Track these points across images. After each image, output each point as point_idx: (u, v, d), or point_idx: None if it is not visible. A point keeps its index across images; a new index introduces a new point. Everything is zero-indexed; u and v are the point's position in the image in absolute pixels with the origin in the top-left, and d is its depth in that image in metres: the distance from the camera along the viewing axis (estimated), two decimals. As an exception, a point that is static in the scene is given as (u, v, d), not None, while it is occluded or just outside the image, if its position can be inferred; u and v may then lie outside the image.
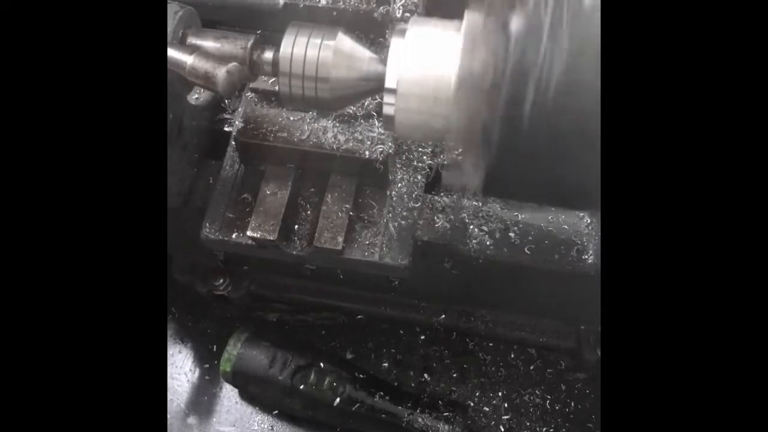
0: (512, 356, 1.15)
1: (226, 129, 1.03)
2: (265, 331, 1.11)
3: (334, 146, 0.88)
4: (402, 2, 0.86)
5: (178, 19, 0.79)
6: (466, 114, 0.66)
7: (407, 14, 0.86)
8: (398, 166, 0.94)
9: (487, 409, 1.11)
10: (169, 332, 1.19)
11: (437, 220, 0.94)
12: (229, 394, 1.13)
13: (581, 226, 0.94)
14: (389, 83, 0.71)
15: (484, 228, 0.94)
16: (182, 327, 1.20)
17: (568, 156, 0.61)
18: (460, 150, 0.67)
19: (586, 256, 0.93)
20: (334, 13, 0.89)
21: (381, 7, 0.88)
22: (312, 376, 1.03)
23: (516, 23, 0.57)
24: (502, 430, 1.09)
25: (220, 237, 0.92)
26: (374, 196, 0.93)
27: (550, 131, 0.59)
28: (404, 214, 0.92)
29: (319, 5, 0.89)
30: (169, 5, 0.79)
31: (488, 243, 0.93)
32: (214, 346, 1.16)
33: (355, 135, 0.89)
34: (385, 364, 1.15)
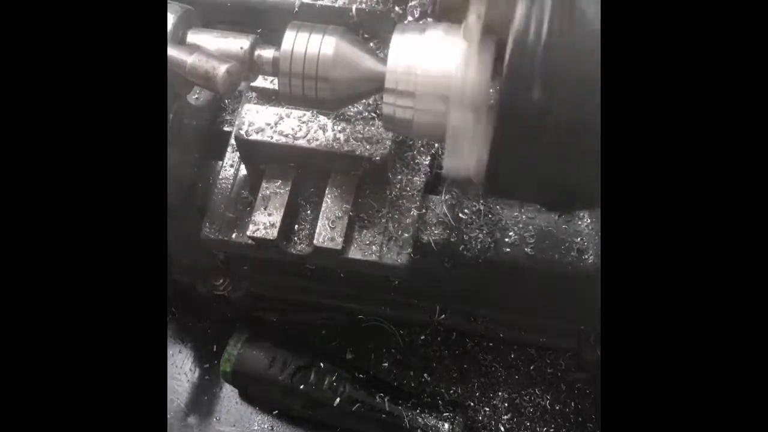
0: (512, 356, 1.15)
1: (226, 129, 1.03)
2: (265, 331, 1.11)
3: (335, 145, 0.88)
4: (417, 1, 0.86)
5: (178, 19, 0.79)
6: (465, 119, 0.66)
7: (422, 13, 0.86)
8: (398, 166, 0.94)
9: (487, 409, 1.11)
10: (169, 332, 1.18)
11: (437, 220, 0.94)
12: (229, 394, 1.13)
13: (581, 226, 0.94)
14: (389, 83, 0.71)
15: (484, 228, 0.94)
16: (182, 327, 1.20)
17: (568, 155, 0.61)
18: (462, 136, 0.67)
19: (586, 256, 0.93)
20: (351, 13, 0.89)
21: (397, 8, 0.88)
22: (312, 376, 1.03)
23: (517, 20, 0.57)
24: (502, 430, 1.09)
25: (220, 237, 0.92)
26: (374, 196, 0.93)
27: (551, 127, 0.59)
28: (404, 214, 0.92)
29: (336, 5, 0.89)
30: (169, 5, 0.79)
31: (488, 243, 0.93)
32: (214, 346, 1.16)
33: (356, 134, 0.89)
34: (385, 364, 1.15)
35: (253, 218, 0.89)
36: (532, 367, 1.14)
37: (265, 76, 0.91)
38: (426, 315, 1.14)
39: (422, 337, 1.16)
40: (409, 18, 0.88)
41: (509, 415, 1.10)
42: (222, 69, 0.72)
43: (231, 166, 0.97)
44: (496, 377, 1.14)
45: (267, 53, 0.78)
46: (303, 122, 0.90)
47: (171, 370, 1.15)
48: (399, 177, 0.94)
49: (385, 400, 1.02)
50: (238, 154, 0.96)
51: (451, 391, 1.12)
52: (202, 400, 1.13)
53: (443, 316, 1.14)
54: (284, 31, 0.76)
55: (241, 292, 1.14)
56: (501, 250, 0.93)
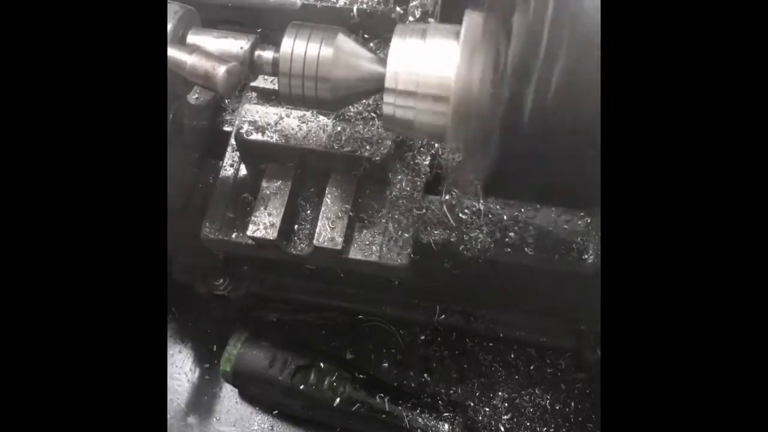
0: (512, 356, 1.15)
1: (226, 129, 1.03)
2: (265, 331, 1.11)
3: (335, 145, 0.88)
4: (418, 1, 0.86)
5: (178, 19, 0.79)
6: (465, 118, 0.66)
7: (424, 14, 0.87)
8: (398, 166, 0.94)
9: (487, 409, 1.11)
10: (169, 332, 1.19)
11: (437, 220, 0.94)
12: (229, 394, 1.13)
13: (581, 226, 0.94)
14: (389, 83, 0.71)
15: (484, 228, 0.94)
16: (182, 327, 1.20)
17: (569, 156, 0.61)
18: (460, 153, 0.67)
19: (586, 256, 0.93)
20: (352, 13, 0.89)
21: (398, 8, 0.88)
22: (312, 376, 1.03)
23: (516, 23, 0.57)
24: (502, 430, 1.09)
25: (220, 237, 0.92)
26: (374, 196, 0.93)
27: (551, 131, 0.59)
28: (404, 214, 0.92)
29: (337, 5, 0.90)
30: (169, 5, 0.79)
31: (488, 243, 0.93)
32: (214, 346, 1.16)
33: (355, 134, 0.89)
34: (385, 364, 1.15)
35: (253, 218, 0.89)
36: (532, 367, 1.14)
37: (265, 76, 0.91)
38: (426, 315, 1.14)
39: (422, 337, 1.16)
40: (410, 18, 0.89)
41: (509, 415, 1.10)
42: (222, 69, 0.72)
43: (231, 166, 0.97)
44: (496, 377, 1.14)
45: (267, 53, 0.78)
46: (303, 122, 0.90)
47: (171, 370, 1.15)
48: (399, 177, 0.94)
49: (385, 400, 1.02)
50: (238, 154, 0.96)
51: (451, 391, 1.12)
52: (202, 400, 1.13)
53: (443, 316, 1.14)
54: (284, 32, 0.76)
55: (241, 292, 1.14)
56: (501, 250, 0.93)
